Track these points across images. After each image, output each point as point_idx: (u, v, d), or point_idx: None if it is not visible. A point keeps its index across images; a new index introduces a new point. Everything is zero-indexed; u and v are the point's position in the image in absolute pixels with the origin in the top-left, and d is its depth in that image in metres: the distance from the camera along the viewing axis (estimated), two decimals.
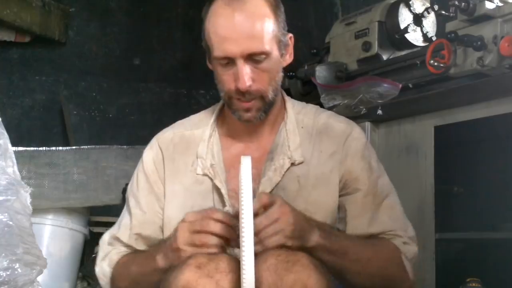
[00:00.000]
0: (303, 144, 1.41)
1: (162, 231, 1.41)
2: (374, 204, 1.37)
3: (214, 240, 1.17)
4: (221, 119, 1.48)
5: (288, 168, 1.37)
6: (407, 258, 1.35)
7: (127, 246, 1.43)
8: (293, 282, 1.09)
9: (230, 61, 1.31)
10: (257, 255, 1.10)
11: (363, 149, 1.42)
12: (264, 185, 1.36)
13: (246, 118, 1.36)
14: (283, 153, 1.39)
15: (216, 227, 1.17)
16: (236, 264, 1.12)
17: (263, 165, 1.39)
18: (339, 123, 1.45)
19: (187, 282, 1.11)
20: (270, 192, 1.35)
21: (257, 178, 1.36)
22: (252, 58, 1.30)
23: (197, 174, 1.40)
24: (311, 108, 1.50)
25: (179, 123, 1.53)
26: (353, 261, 1.26)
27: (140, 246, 1.42)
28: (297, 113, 1.45)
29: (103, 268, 1.43)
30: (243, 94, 1.32)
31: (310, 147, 1.40)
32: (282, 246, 1.14)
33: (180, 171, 1.43)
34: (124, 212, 1.48)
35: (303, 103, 1.51)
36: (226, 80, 1.33)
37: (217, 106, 1.50)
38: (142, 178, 1.46)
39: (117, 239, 1.44)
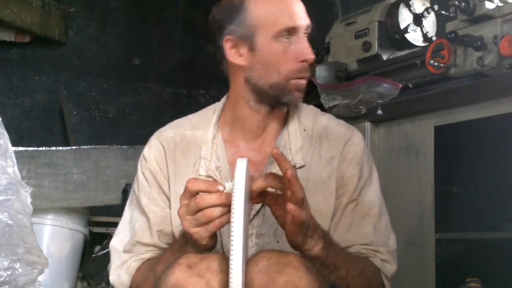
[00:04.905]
0: (304, 148, 1.39)
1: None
2: (356, 213, 1.36)
3: (217, 211, 1.12)
4: (222, 120, 1.45)
5: None
6: (387, 278, 1.35)
7: (150, 246, 1.38)
8: (284, 284, 1.08)
9: (290, 35, 1.33)
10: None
11: (360, 155, 1.40)
12: None
13: (298, 98, 1.37)
14: None
15: (212, 199, 1.12)
16: (228, 264, 1.10)
17: (264, 168, 1.37)
18: (339, 128, 1.43)
19: (176, 281, 1.10)
20: None
21: None
22: (305, 33, 1.35)
23: (200, 175, 1.36)
24: (311, 110, 1.48)
25: (177, 122, 1.50)
26: (341, 278, 1.24)
27: (164, 243, 1.37)
28: (298, 115, 1.44)
29: (120, 276, 1.37)
30: (305, 69, 1.34)
31: (310, 151, 1.39)
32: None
33: (182, 172, 1.39)
34: (135, 217, 1.42)
35: (303, 104, 1.49)
36: (287, 59, 1.33)
37: (218, 106, 1.47)
38: (150, 177, 1.42)
39: (138, 243, 1.38)
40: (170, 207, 1.39)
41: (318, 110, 1.49)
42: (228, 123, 1.43)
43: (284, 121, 1.43)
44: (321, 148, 1.39)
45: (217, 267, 1.11)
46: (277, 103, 1.38)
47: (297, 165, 1.36)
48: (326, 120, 1.45)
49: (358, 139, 1.43)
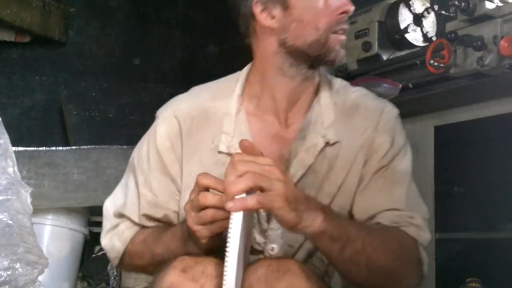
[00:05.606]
0: (337, 122, 1.29)
1: (178, 216, 1.31)
2: (387, 178, 1.26)
3: (220, 213, 1.06)
4: (247, 92, 1.34)
5: (322, 149, 1.26)
6: (424, 249, 1.24)
7: (138, 224, 1.33)
8: None
9: None
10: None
11: (393, 122, 1.32)
12: (295, 167, 1.24)
13: (342, 55, 1.27)
14: (316, 131, 1.27)
15: (214, 199, 1.06)
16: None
17: (293, 144, 1.27)
18: (371, 100, 1.35)
19: (170, 285, 1.08)
20: (302, 175, 1.24)
21: (287, 160, 1.26)
22: None
23: (219, 152, 1.27)
24: (340, 82, 1.39)
25: (196, 91, 1.41)
26: (358, 251, 1.11)
27: (151, 224, 1.33)
28: (329, 88, 1.34)
29: (113, 242, 1.33)
30: (345, 22, 1.27)
31: (342, 126, 1.29)
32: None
33: (200, 149, 1.29)
34: (130, 186, 1.36)
35: (332, 77, 1.40)
36: (324, 12, 1.24)
37: (241, 76, 1.35)
38: (154, 156, 1.33)
39: (126, 217, 1.34)
40: (181, 187, 1.31)
41: (348, 83, 1.41)
42: (255, 96, 1.33)
43: (315, 95, 1.33)
44: (352, 122, 1.30)
45: (212, 271, 1.09)
46: (319, 63, 1.29)
47: (331, 141, 1.27)
48: (358, 94, 1.36)
49: (391, 109, 1.36)
